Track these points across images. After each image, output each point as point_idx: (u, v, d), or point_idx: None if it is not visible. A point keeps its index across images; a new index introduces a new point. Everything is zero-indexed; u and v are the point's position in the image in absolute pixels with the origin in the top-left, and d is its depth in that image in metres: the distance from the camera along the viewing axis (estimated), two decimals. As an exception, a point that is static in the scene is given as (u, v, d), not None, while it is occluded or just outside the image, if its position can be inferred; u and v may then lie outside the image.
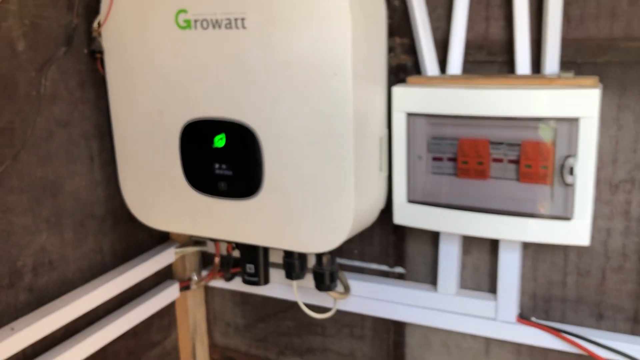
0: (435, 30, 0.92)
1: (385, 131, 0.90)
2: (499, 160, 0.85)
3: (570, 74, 0.80)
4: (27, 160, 0.88)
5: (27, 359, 0.90)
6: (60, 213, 0.94)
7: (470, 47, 0.91)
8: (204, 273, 1.20)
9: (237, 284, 1.17)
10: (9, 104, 0.85)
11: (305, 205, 0.85)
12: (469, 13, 0.89)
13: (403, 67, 0.96)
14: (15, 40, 0.85)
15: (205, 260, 1.23)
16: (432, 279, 1.03)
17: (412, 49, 0.94)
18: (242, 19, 0.82)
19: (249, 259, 1.00)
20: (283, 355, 1.22)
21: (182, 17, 0.87)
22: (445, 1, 0.91)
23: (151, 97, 0.92)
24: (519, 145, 0.82)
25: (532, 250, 0.95)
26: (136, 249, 1.11)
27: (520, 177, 0.83)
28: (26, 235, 0.89)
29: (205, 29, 0.85)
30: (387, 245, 1.05)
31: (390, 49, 0.95)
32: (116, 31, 0.93)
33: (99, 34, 0.94)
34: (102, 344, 1.01)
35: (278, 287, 1.12)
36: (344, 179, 0.82)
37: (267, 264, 1.01)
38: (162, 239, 1.17)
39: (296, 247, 0.89)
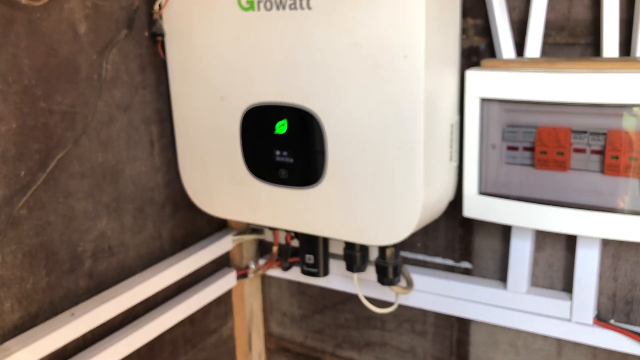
0: (511, 10, 0.86)
1: (456, 118, 0.85)
2: (581, 151, 0.78)
3: (665, 57, 0.73)
4: (88, 145, 0.87)
5: (87, 344, 0.90)
6: (120, 198, 0.93)
7: (550, 28, 0.84)
8: (261, 262, 1.18)
9: (294, 274, 1.14)
10: (71, 88, 0.83)
11: (370, 196, 0.81)
12: (550, -9, 0.83)
13: (476, 49, 0.90)
14: (77, 22, 0.83)
15: (263, 248, 1.20)
16: (500, 275, 0.97)
17: (485, 31, 0.88)
18: (308, -1, 0.78)
19: (309, 249, 0.97)
20: (340, 349, 1.19)
21: (244, -3, 0.84)
22: (523, -21, 0.84)
23: (212, 81, 0.90)
24: (604, 134, 0.76)
25: (612, 248, 0.88)
26: (194, 236, 1.10)
27: (605, 169, 0.77)
28: (87, 220, 0.88)
29: (269, 10, 0.82)
30: (453, 239, 1.00)
31: (463, 31, 0.90)
32: (177, 13, 0.91)
33: (160, 17, 0.92)
34: (160, 331, 1.00)
35: (337, 278, 1.08)
36: (412, 169, 0.78)
37: (327, 255, 0.98)
38: (220, 226, 1.15)
39: (359, 239, 0.85)
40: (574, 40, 0.83)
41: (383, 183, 0.80)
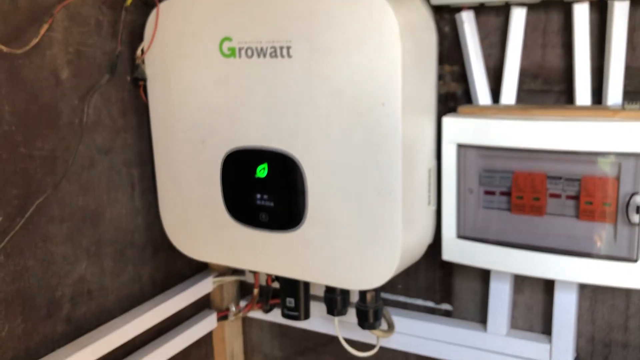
0: (487, 57, 0.88)
1: (434, 162, 0.86)
2: (557, 196, 0.80)
3: (636, 106, 0.75)
4: (69, 189, 0.87)
5: (63, 391, 0.88)
6: (100, 242, 0.93)
7: (525, 75, 0.86)
8: (242, 303, 1.17)
9: (276, 316, 1.13)
10: (52, 133, 0.84)
11: (350, 240, 0.81)
12: (524, 40, 0.85)
13: (453, 95, 0.92)
14: (60, 68, 0.84)
15: (244, 289, 1.20)
16: (481, 318, 0.97)
17: (462, 77, 0.90)
18: (288, 48, 0.80)
19: (289, 293, 0.96)
20: (322, 391, 1.18)
21: (226, 45, 0.85)
22: (498, 27, 0.87)
23: (193, 126, 0.91)
24: (578, 180, 0.77)
25: (590, 291, 0.89)
26: (174, 278, 1.09)
27: (580, 214, 0.78)
28: (66, 264, 0.88)
29: (250, 57, 0.83)
30: (434, 281, 1.01)
31: (440, 77, 0.91)
32: (159, 58, 0.92)
33: (143, 62, 0.93)
34: (140, 376, 0.98)
35: (319, 320, 1.08)
36: (391, 213, 0.78)
37: (308, 298, 0.98)
38: (200, 267, 1.14)
39: (339, 283, 0.86)
40: (548, 87, 0.85)
41: (363, 228, 0.80)
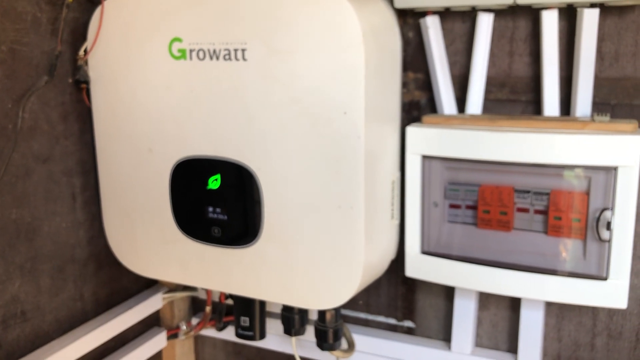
0: (452, 65, 0.84)
1: (397, 174, 0.82)
2: (525, 210, 0.76)
3: (605, 118, 0.72)
4: (1, 200, 0.79)
5: (-7, 423, 0.80)
6: (36, 258, 0.85)
7: (492, 84, 0.83)
8: (195, 320, 1.10)
9: (230, 334, 1.07)
10: (-19, 139, 0.76)
11: (309, 257, 0.76)
12: (491, 47, 0.82)
13: (416, 104, 0.88)
14: (-9, 68, 0.77)
15: (196, 306, 1.13)
16: (444, 335, 0.93)
17: (426, 85, 0.86)
18: (243, 50, 0.74)
19: (244, 312, 0.91)
20: (278, 411, 1.12)
21: (176, 46, 0.79)
22: (464, 33, 0.83)
23: (140, 133, 0.84)
24: (547, 194, 0.74)
25: (556, 308, 0.86)
26: (120, 295, 1.02)
27: (549, 229, 0.75)
28: (-4, 283, 0.80)
29: (202, 59, 0.77)
30: (396, 297, 0.96)
31: (404, 85, 0.87)
32: (104, 60, 0.85)
33: (85, 63, 0.86)
34: (80, 403, 0.91)
35: (275, 339, 1.02)
36: (352, 228, 0.74)
37: (264, 317, 0.92)
38: (149, 283, 1.07)
39: (297, 302, 0.80)
40: (515, 97, 0.82)
41: (322, 243, 0.75)
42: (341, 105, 0.71)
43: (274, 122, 0.74)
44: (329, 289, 0.77)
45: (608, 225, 0.71)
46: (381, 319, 0.98)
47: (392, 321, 0.97)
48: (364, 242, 0.74)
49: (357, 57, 0.69)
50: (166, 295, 1.06)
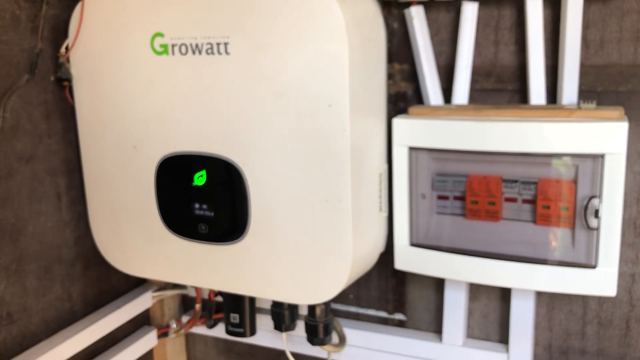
0: (438, 55, 0.84)
1: (385, 167, 0.81)
2: (513, 200, 0.76)
3: (592, 105, 0.72)
4: (-17, 201, 0.78)
5: None
6: (22, 259, 0.84)
7: (477, 73, 0.82)
8: (185, 318, 1.10)
9: (220, 331, 1.07)
10: (-39, 139, 0.75)
11: (297, 252, 0.76)
12: (476, 37, 0.81)
13: (403, 95, 0.87)
14: (-31, 67, 0.75)
15: (186, 303, 1.12)
16: (435, 327, 0.93)
17: (412, 76, 0.85)
18: (225, 44, 0.73)
19: (233, 308, 0.90)
20: (272, 407, 1.11)
21: (158, 41, 0.78)
22: (449, 23, 0.83)
23: (124, 130, 0.83)
24: (535, 183, 0.74)
25: (547, 297, 0.86)
26: (109, 294, 1.01)
27: (537, 219, 0.75)
28: (-19, 286, 0.79)
29: (184, 54, 0.76)
30: (386, 290, 0.96)
31: (390, 76, 0.87)
32: (86, 57, 0.84)
33: (67, 60, 0.85)
34: (70, 404, 0.90)
35: (266, 334, 1.02)
36: (340, 222, 0.73)
37: (254, 313, 0.92)
38: (138, 282, 1.06)
39: (286, 297, 0.80)
40: (502, 86, 0.82)
41: (310, 238, 0.75)
42: (326, 98, 0.70)
43: (258, 116, 0.74)
44: (318, 283, 0.76)
45: (596, 213, 0.70)
46: (372, 312, 0.98)
47: (383, 314, 0.97)
48: (351, 235, 0.73)
49: (340, 49, 0.68)
50: (156, 294, 1.06)
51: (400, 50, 0.86)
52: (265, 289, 0.80)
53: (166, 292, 1.07)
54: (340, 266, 0.74)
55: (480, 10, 0.80)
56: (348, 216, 0.73)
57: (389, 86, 0.87)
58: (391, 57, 0.86)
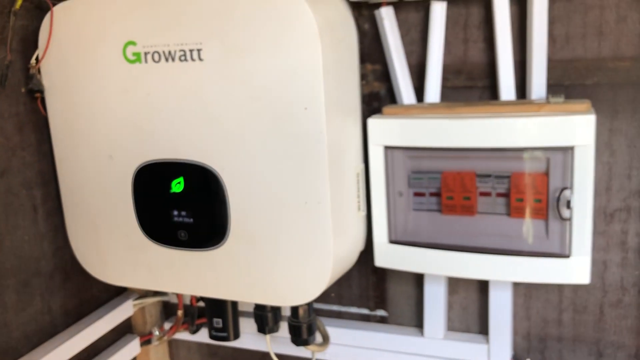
0: (409, 54, 0.85)
1: (362, 166, 0.83)
2: (487, 194, 0.78)
3: (560, 99, 0.74)
4: (-43, 217, 0.77)
5: None
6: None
7: (448, 71, 0.84)
8: (168, 325, 1.10)
9: (204, 335, 1.07)
10: None
11: (278, 255, 0.76)
12: (446, 35, 0.83)
13: (376, 95, 0.88)
14: (-62, 82, 0.74)
15: (168, 310, 1.12)
16: (417, 322, 0.95)
17: (385, 76, 0.87)
18: (199, 50, 0.74)
19: (216, 313, 0.90)
20: (258, 409, 1.12)
21: (130, 49, 0.78)
22: (419, 23, 0.84)
23: (99, 139, 0.83)
24: (508, 177, 0.76)
25: (524, 287, 0.88)
26: (90, 304, 1.00)
27: (511, 212, 0.76)
28: (-41, 303, 0.78)
29: (157, 62, 0.76)
30: (367, 287, 0.97)
31: (363, 76, 0.88)
32: (57, 67, 0.83)
33: (38, 71, 0.84)
34: (54, 417, 0.89)
35: (250, 337, 1.02)
36: (320, 224, 0.74)
37: (237, 316, 0.92)
38: (119, 290, 1.06)
39: (269, 300, 0.80)
40: (472, 83, 0.83)
41: (291, 241, 0.75)
42: (301, 101, 0.71)
43: (234, 121, 0.74)
44: (299, 285, 0.77)
45: (568, 204, 0.72)
46: (354, 310, 0.99)
47: (365, 311, 0.98)
48: (332, 236, 0.74)
49: (314, 52, 0.69)
50: (137, 302, 1.05)
51: (372, 50, 0.87)
52: (247, 293, 0.80)
53: (147, 300, 1.06)
54: (322, 267, 0.75)
55: (448, 9, 0.81)
56: (328, 217, 0.73)
57: (362, 86, 0.88)
58: (363, 58, 0.87)
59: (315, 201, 0.73)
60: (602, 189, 0.80)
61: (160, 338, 1.06)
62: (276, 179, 0.74)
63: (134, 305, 1.05)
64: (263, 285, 0.78)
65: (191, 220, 0.80)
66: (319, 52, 0.69)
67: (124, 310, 1.04)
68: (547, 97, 0.76)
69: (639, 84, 0.76)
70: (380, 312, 0.97)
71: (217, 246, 0.79)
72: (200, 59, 0.74)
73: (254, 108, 0.73)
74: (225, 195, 0.77)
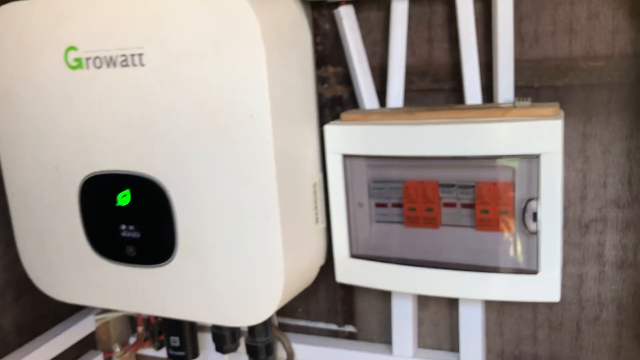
0: (371, 56, 0.80)
1: (319, 176, 0.78)
2: (452, 205, 0.73)
3: (527, 102, 0.68)
4: None
5: None
6: (-58, 291, 0.79)
7: (413, 73, 0.79)
8: (133, 339, 1.05)
9: (169, 351, 1.02)
10: None
11: (227, 273, 0.72)
12: (409, 35, 0.78)
13: (339, 99, 0.83)
14: None
15: (134, 323, 1.08)
16: (386, 338, 0.90)
17: (347, 79, 0.82)
18: (140, 55, 0.69)
19: (173, 331, 0.86)
20: None
21: (72, 55, 0.73)
22: (381, 22, 0.79)
23: (44, 150, 0.78)
24: (472, 187, 0.71)
25: (496, 303, 0.82)
26: (48, 320, 0.96)
27: (477, 224, 0.71)
28: None
29: (99, 68, 0.72)
30: (335, 301, 0.92)
31: (324, 80, 0.83)
32: (-1, 74, 0.79)
33: (-20, 78, 0.80)
34: None
35: (210, 355, 0.97)
36: (269, 239, 0.69)
37: (195, 334, 0.87)
38: (80, 306, 1.02)
39: (220, 320, 0.75)
40: (438, 85, 0.78)
41: (241, 257, 0.71)
42: (246, 108, 0.66)
43: (178, 130, 0.69)
44: (250, 304, 0.72)
45: (534, 216, 0.67)
46: (322, 325, 0.94)
47: (333, 327, 0.93)
48: (282, 252, 0.69)
49: (257, 56, 0.64)
50: (98, 317, 1.01)
51: (333, 52, 0.82)
52: (198, 312, 0.75)
53: (109, 315, 1.02)
54: (273, 285, 0.70)
55: (412, 7, 0.76)
56: (277, 232, 0.69)
57: (324, 90, 0.83)
58: (325, 60, 0.83)
59: (263, 215, 0.68)
60: (576, 197, 0.75)
61: (121, 355, 1.02)
62: (223, 192, 0.69)
63: (96, 320, 1.01)
64: (212, 304, 0.74)
65: (139, 235, 0.76)
66: (262, 57, 0.64)
67: (84, 326, 1.00)
68: (515, 101, 0.70)
69: (614, 85, 0.71)
70: (349, 328, 0.92)
71: (166, 263, 0.75)
72: (142, 64, 0.69)
73: (197, 116, 0.68)
74: (172, 209, 0.72)
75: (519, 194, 0.68)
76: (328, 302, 0.93)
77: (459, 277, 0.71)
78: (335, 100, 0.84)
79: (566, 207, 0.76)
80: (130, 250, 0.76)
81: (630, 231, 0.74)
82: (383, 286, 0.77)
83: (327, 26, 0.82)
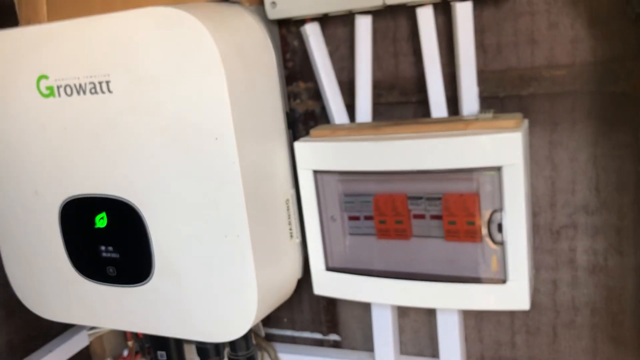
0: (340, 71, 0.81)
1: (292, 192, 0.79)
2: (421, 217, 0.74)
3: (489, 115, 0.69)
4: None
5: None
6: None
7: (381, 87, 0.80)
8: (126, 352, 1.07)
9: (162, 363, 1.04)
10: None
11: (202, 291, 0.73)
12: (376, 49, 0.78)
13: (311, 114, 0.85)
14: None
15: (126, 337, 1.10)
16: (370, 346, 0.91)
17: (319, 94, 0.83)
18: (107, 82, 0.71)
19: (159, 346, 0.88)
20: None
21: (43, 83, 0.75)
22: (347, 38, 0.80)
23: (23, 175, 0.80)
24: (439, 199, 0.71)
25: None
26: (40, 338, 0.98)
27: (445, 235, 0.72)
28: None
29: (70, 95, 0.73)
30: (318, 311, 0.94)
31: (296, 95, 0.84)
32: (-23, 103, 0.81)
33: (-40, 108, 0.82)
34: None
35: (204, 365, 0.99)
36: (241, 257, 0.70)
37: (181, 348, 0.89)
38: (72, 322, 1.04)
39: (197, 336, 0.77)
40: (406, 98, 0.79)
41: (215, 275, 0.72)
42: (211, 131, 0.67)
43: (148, 154, 0.71)
44: (226, 320, 0.74)
45: (500, 227, 0.68)
46: (307, 334, 0.96)
47: (318, 336, 0.95)
48: (254, 270, 0.70)
49: (218, 80, 0.65)
50: (91, 332, 1.03)
51: (303, 68, 0.83)
52: (177, 329, 0.77)
53: (101, 330, 1.04)
54: (247, 301, 0.72)
55: (376, 22, 0.77)
56: (248, 250, 0.70)
57: (297, 105, 0.85)
58: (296, 76, 0.84)
59: (234, 234, 0.70)
60: (547, 205, 0.76)
61: (114, 369, 1.04)
62: (195, 213, 0.71)
63: (89, 335, 1.03)
64: (189, 321, 0.75)
65: (118, 255, 0.78)
66: (223, 80, 0.65)
67: (78, 342, 1.02)
68: (477, 113, 0.71)
69: (577, 94, 0.71)
70: (334, 337, 0.94)
71: (144, 282, 0.76)
72: (109, 91, 0.71)
73: (165, 140, 0.70)
74: (147, 231, 0.74)
75: (484, 205, 0.69)
76: (312, 312, 0.94)
77: (431, 288, 0.73)
78: (307, 115, 0.85)
79: (537, 214, 0.76)
80: (111, 271, 0.78)
81: (599, 236, 0.74)
82: (358, 298, 0.78)
83: (295, 43, 0.83)
